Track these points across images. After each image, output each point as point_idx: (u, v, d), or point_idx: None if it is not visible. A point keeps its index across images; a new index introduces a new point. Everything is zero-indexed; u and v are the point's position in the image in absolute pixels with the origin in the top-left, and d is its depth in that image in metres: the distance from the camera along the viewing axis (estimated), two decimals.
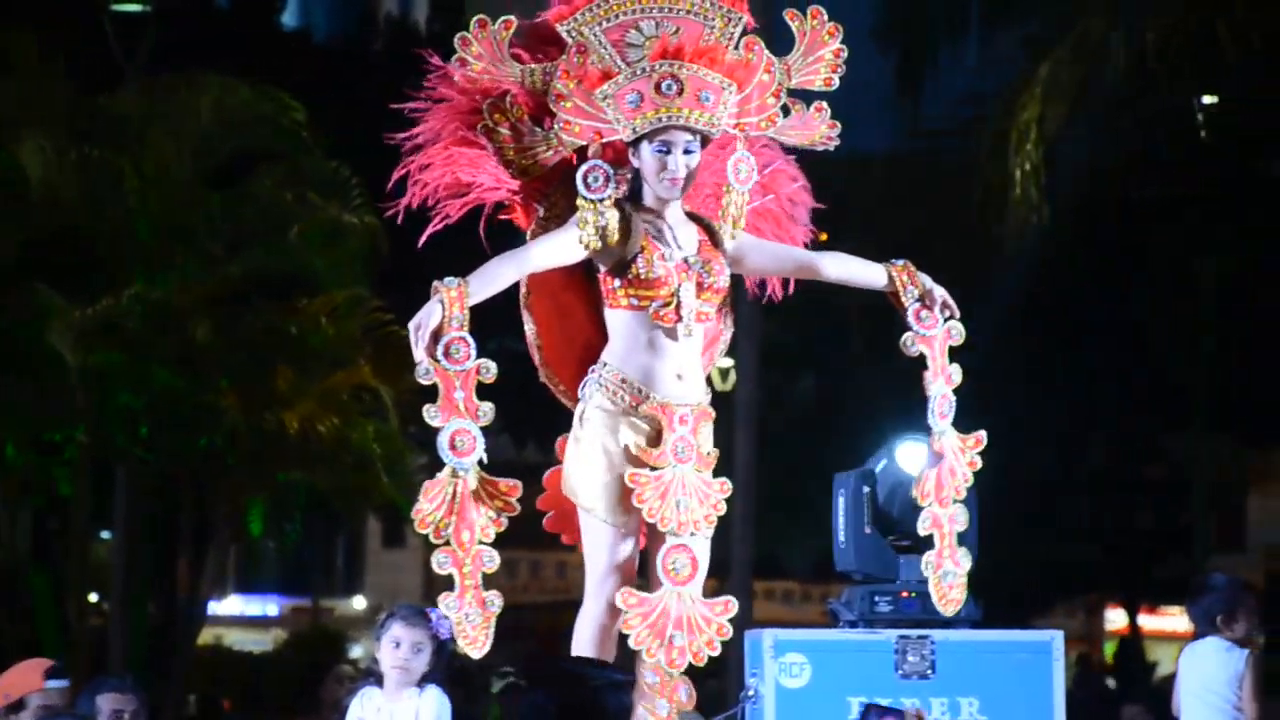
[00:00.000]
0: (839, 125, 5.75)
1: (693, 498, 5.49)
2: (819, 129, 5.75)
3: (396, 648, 6.39)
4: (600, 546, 5.57)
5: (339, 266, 14.50)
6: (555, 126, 5.50)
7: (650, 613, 5.46)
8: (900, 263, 5.77)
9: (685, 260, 5.52)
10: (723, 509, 5.57)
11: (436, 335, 5.30)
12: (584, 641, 5.60)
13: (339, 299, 14.41)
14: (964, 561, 5.80)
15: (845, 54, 5.75)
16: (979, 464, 5.79)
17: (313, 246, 14.43)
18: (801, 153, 5.90)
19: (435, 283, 5.36)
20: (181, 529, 15.29)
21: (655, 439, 5.50)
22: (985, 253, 17.87)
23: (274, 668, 21.43)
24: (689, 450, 5.50)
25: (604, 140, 5.50)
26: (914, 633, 6.62)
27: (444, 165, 5.63)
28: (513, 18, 5.58)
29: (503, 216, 5.71)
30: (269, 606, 36.47)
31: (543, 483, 5.72)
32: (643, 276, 5.46)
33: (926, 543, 5.94)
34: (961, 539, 5.91)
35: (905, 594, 6.79)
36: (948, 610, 5.83)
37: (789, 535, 26.00)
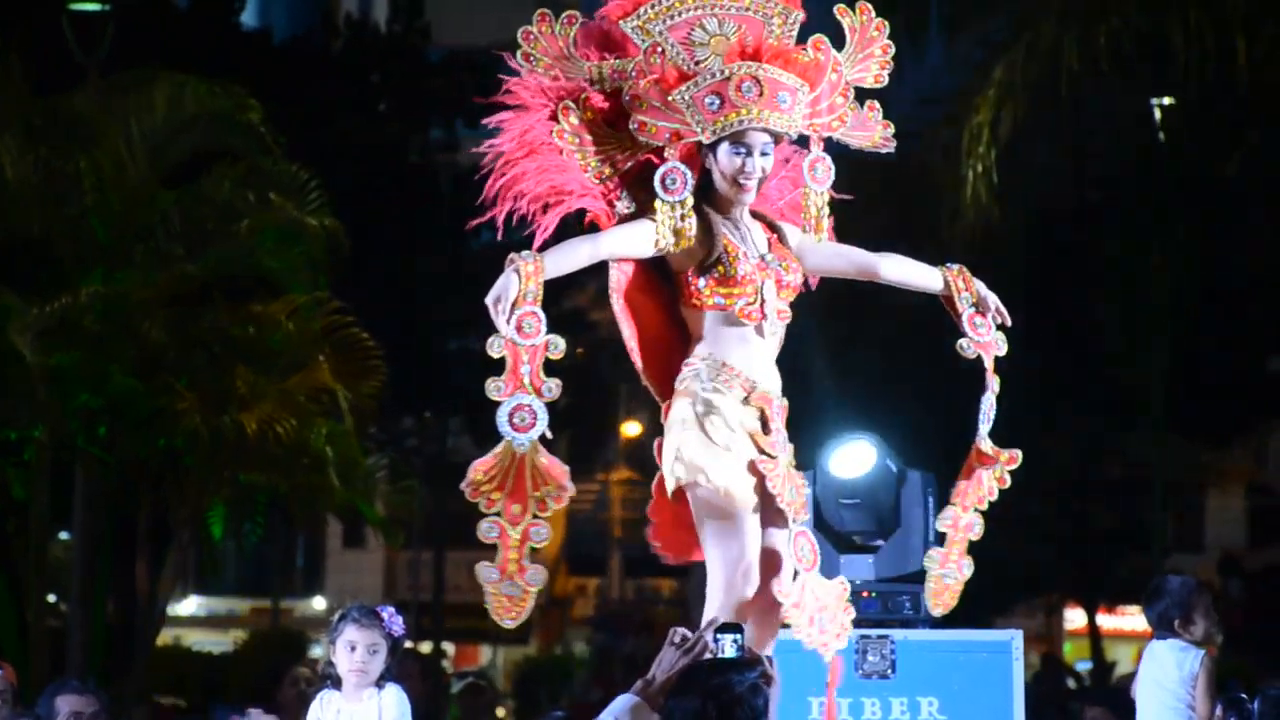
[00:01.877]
0: (892, 126, 5.75)
1: (794, 486, 5.46)
2: (877, 130, 5.76)
3: (352, 651, 6.37)
4: (740, 537, 5.41)
5: (297, 267, 14.44)
6: (631, 128, 5.46)
7: (801, 603, 5.39)
8: (955, 267, 5.76)
9: (763, 258, 5.51)
10: (808, 503, 5.55)
11: (512, 308, 5.24)
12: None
13: (298, 300, 14.36)
14: (966, 570, 5.75)
15: (893, 50, 5.75)
16: (1008, 482, 5.76)
17: (271, 247, 14.38)
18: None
19: (512, 255, 5.32)
20: (140, 529, 15.21)
21: (764, 428, 5.46)
22: (943, 255, 17.90)
23: (234, 668, 21.35)
24: (785, 441, 5.50)
25: (681, 141, 5.46)
26: (874, 633, 6.63)
27: (536, 175, 5.55)
28: (575, 13, 5.54)
29: (589, 220, 5.63)
30: (229, 607, 36.37)
31: (652, 489, 5.63)
32: (730, 275, 5.44)
33: (863, 545, 5.96)
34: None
35: (866, 594, 6.81)
36: (936, 611, 5.79)
37: None
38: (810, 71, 5.53)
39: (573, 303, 25.15)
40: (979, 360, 5.67)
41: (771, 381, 5.51)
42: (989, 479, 5.75)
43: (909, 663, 6.61)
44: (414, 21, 23.59)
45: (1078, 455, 25.10)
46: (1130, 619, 33.26)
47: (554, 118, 5.49)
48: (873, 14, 5.73)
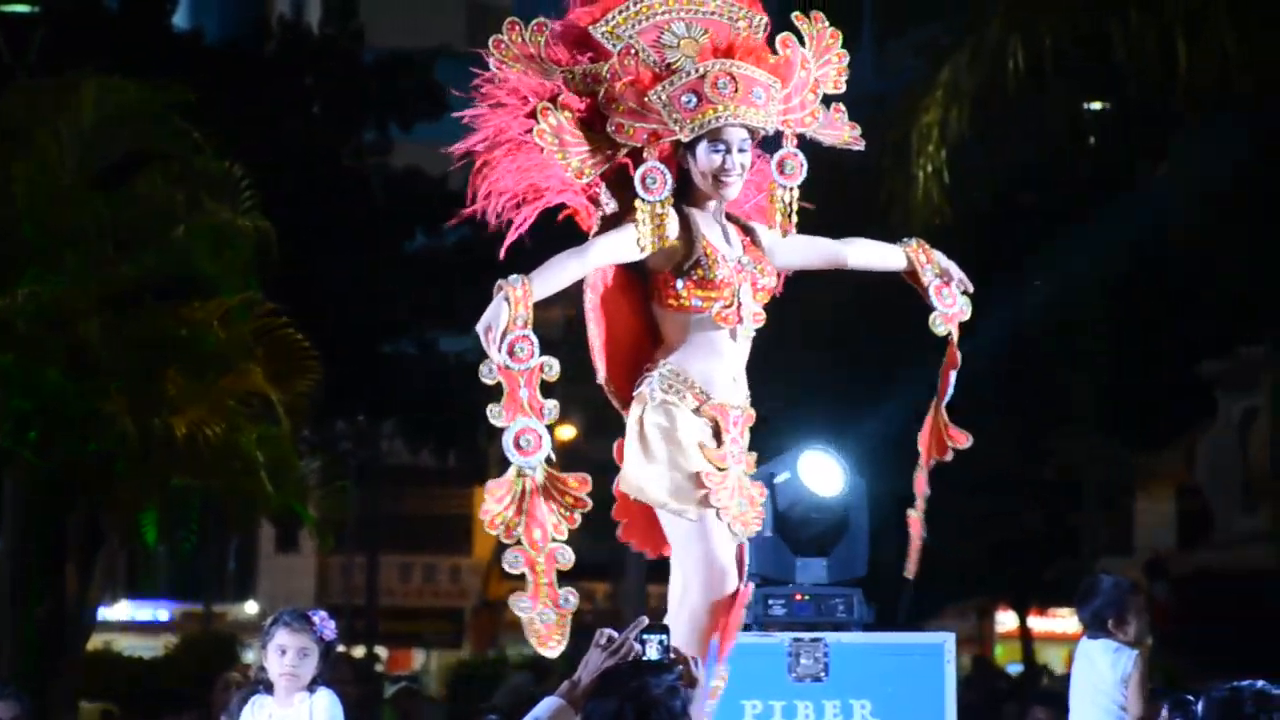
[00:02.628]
0: (859, 127, 5.78)
1: (744, 499, 5.47)
2: (844, 130, 5.78)
3: (283, 655, 6.35)
4: (694, 541, 5.43)
5: (230, 269, 14.38)
6: (608, 130, 5.46)
7: (735, 611, 5.43)
8: (914, 242, 5.81)
9: (740, 261, 5.51)
10: (763, 514, 5.56)
11: (503, 335, 5.26)
12: (683, 641, 5.40)
13: (230, 302, 14.29)
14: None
15: (847, 58, 5.77)
16: (949, 458, 5.83)
17: (203, 248, 14.31)
18: None
19: (500, 281, 5.34)
20: (71, 534, 15.10)
21: (715, 439, 5.46)
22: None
23: (165, 673, 21.25)
24: (741, 452, 5.49)
25: (659, 141, 5.46)
26: (807, 635, 6.64)
27: (515, 173, 5.55)
28: (544, 20, 5.56)
29: (564, 215, 5.63)
30: (160, 612, 36.19)
31: (614, 492, 5.58)
32: (709, 278, 5.44)
33: (822, 548, 5.97)
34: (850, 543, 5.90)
35: (799, 596, 6.82)
36: (908, 572, 5.83)
37: None
38: (781, 68, 5.56)
39: None
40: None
41: (733, 390, 5.50)
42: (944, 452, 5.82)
43: (842, 666, 6.62)
44: (347, 24, 23.51)
45: (1009, 457, 25.23)
46: (1061, 621, 33.44)
47: (532, 117, 5.49)
48: (826, 22, 5.76)
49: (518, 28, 5.54)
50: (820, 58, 5.72)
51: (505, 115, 5.53)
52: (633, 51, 5.48)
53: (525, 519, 5.25)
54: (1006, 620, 35.18)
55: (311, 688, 6.39)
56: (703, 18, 5.58)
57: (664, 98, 5.43)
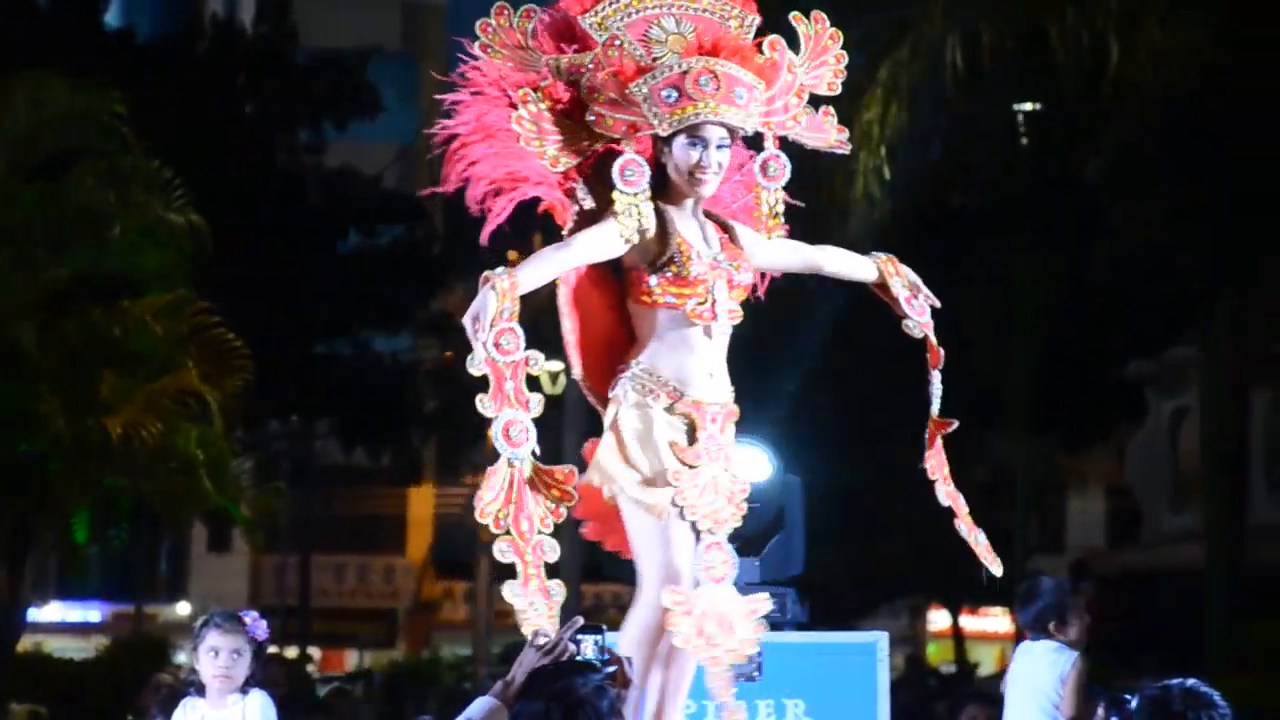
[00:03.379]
0: (846, 130, 5.79)
1: (721, 496, 5.45)
2: (831, 133, 5.78)
3: (215, 656, 6.32)
4: (654, 543, 5.43)
5: (163, 267, 14.33)
6: (588, 120, 5.43)
7: (692, 611, 5.39)
8: (884, 256, 5.82)
9: (716, 258, 5.49)
10: (744, 508, 5.54)
11: (490, 326, 5.21)
12: (631, 641, 5.43)
13: (163, 301, 14.24)
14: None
15: (846, 60, 5.78)
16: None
17: (136, 246, 14.26)
18: None
19: (487, 273, 5.26)
20: (2, 535, 15.01)
21: (690, 437, 5.45)
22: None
23: (96, 675, 21.13)
24: (718, 449, 5.47)
25: (638, 134, 5.43)
26: None
27: (493, 159, 5.50)
28: (533, 6, 5.53)
29: (541, 209, 5.59)
30: (91, 613, 35.97)
31: (577, 490, 5.51)
32: (683, 274, 5.42)
33: (755, 547, 5.99)
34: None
35: None
36: (998, 570, 5.92)
37: None
38: (766, 70, 5.54)
39: (441, 305, 25.09)
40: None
41: (710, 387, 5.48)
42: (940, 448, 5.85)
43: (775, 665, 6.63)
44: (280, 24, 23.43)
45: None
46: (993, 620, 33.63)
47: (512, 105, 5.45)
48: (827, 23, 5.77)
49: (505, 12, 5.52)
50: (816, 59, 5.73)
51: (487, 101, 5.49)
52: (617, 43, 5.45)
53: (514, 509, 5.25)
54: (939, 619, 35.34)
55: (244, 689, 6.37)
56: (693, 14, 5.56)
57: (645, 91, 5.40)
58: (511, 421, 5.21)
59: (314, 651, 32.63)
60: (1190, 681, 5.27)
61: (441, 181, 5.52)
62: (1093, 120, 19.50)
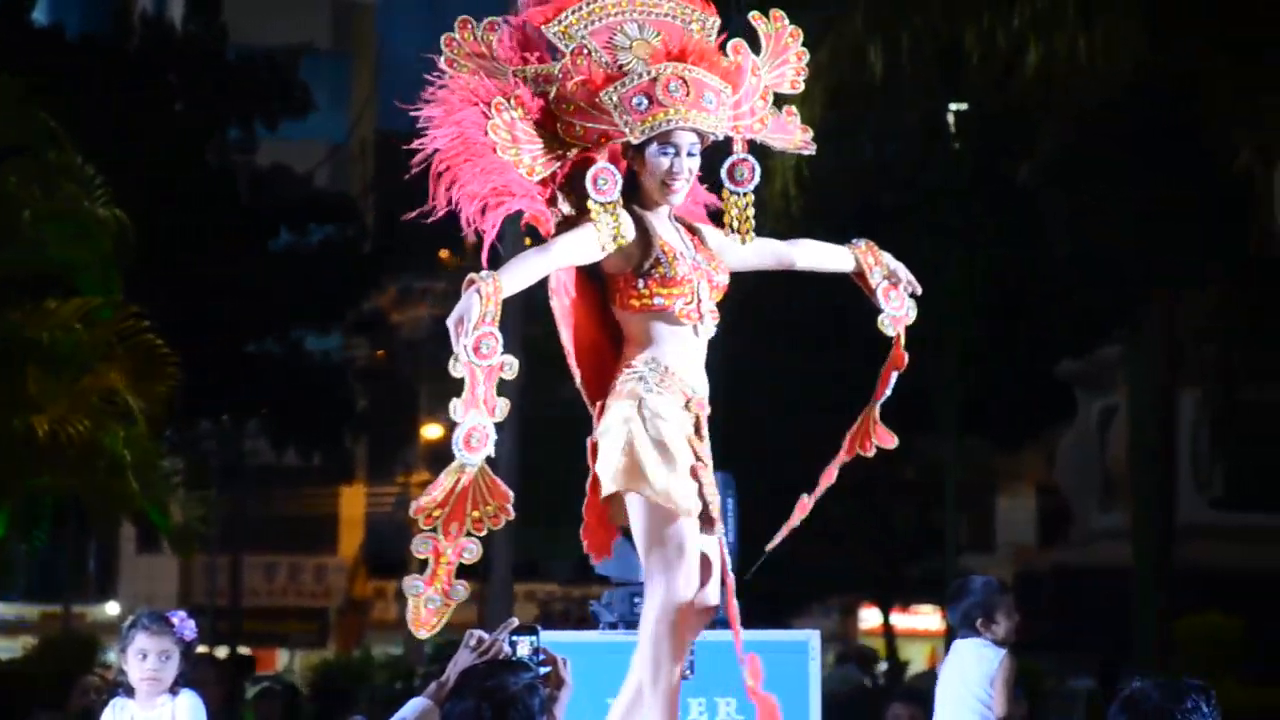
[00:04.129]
0: (810, 130, 5.79)
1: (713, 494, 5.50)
2: (796, 134, 5.79)
3: (144, 659, 6.29)
4: (672, 541, 5.40)
5: (89, 263, 14.24)
6: (559, 129, 5.43)
7: (729, 604, 5.51)
8: (863, 243, 5.81)
9: (695, 259, 5.51)
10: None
11: (473, 329, 5.21)
12: (653, 642, 5.44)
13: (92, 303, 14.15)
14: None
15: (807, 58, 5.79)
16: (871, 454, 5.90)
17: (62, 244, 14.17)
18: None
19: (472, 275, 5.24)
20: None
21: (697, 434, 5.47)
22: None
23: (23, 676, 20.98)
24: (708, 448, 5.52)
25: (609, 142, 5.43)
26: None
27: (479, 176, 5.44)
28: (496, 20, 5.51)
29: (525, 222, 5.56)
30: (18, 613, 35.70)
31: (586, 488, 5.56)
32: (669, 276, 5.43)
33: None
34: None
35: None
36: (766, 548, 5.85)
37: (550, 538, 26.04)
38: (732, 74, 5.54)
39: (373, 304, 25.02)
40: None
41: (703, 386, 5.52)
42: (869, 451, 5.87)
43: (707, 663, 6.64)
44: (210, 21, 23.31)
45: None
46: (924, 618, 33.78)
47: (486, 116, 5.42)
48: (786, 21, 5.77)
49: (469, 25, 5.49)
50: (777, 58, 5.73)
51: (461, 115, 5.45)
52: (585, 51, 5.45)
53: (448, 511, 5.23)
54: (870, 618, 35.45)
55: (174, 690, 6.34)
56: (656, 19, 5.56)
57: (615, 99, 5.40)
58: (474, 428, 5.22)
59: (244, 651, 32.47)
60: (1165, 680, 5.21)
61: (430, 203, 5.45)
62: (1023, 122, 19.61)
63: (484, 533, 5.24)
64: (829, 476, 5.91)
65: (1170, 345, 23.74)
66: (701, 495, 5.40)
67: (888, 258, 5.81)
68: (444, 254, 39.90)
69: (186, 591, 36.97)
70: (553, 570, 34.53)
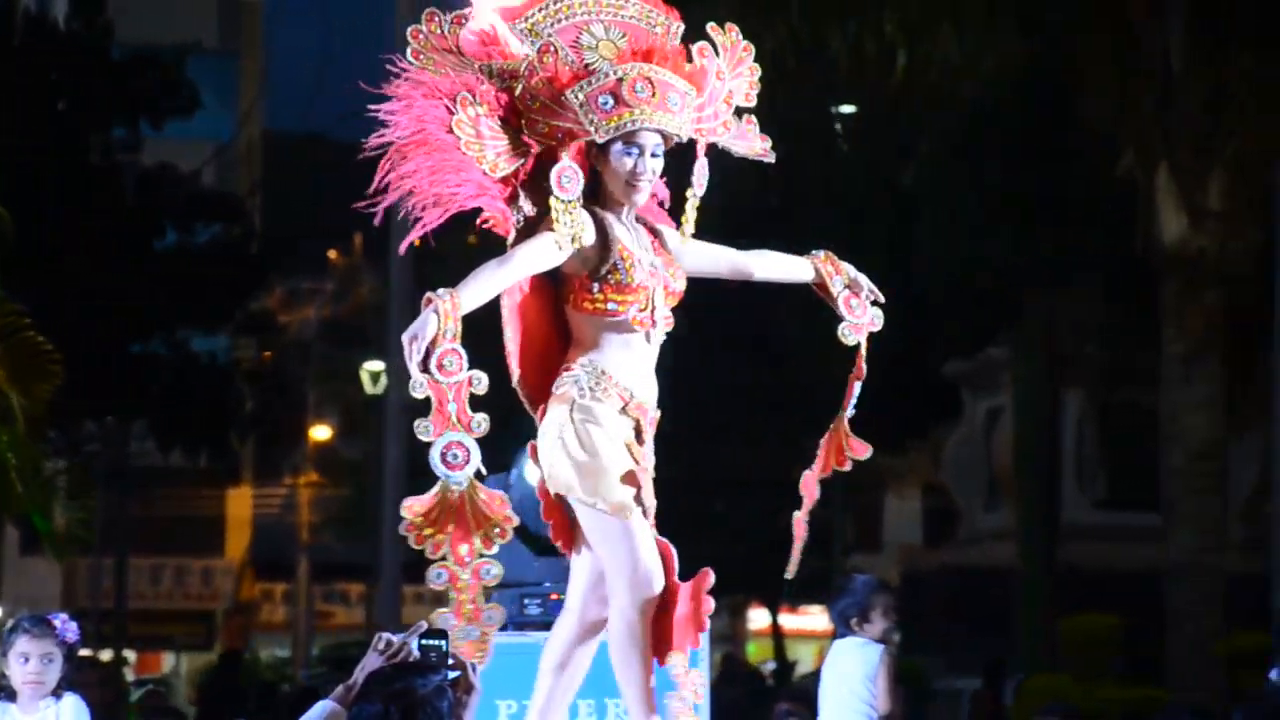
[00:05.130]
0: (769, 139, 5.79)
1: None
2: (756, 141, 5.80)
3: (25, 662, 6.24)
4: (620, 545, 5.42)
5: None
6: (523, 126, 5.43)
7: (697, 603, 5.53)
8: (823, 254, 5.84)
9: (653, 264, 5.52)
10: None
11: (430, 348, 5.17)
12: (620, 647, 5.49)
13: None
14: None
15: (759, 72, 5.79)
16: (848, 468, 5.96)
17: None
18: None
19: (429, 294, 5.21)
20: None
21: (638, 439, 5.48)
22: None
23: None
24: (651, 453, 5.52)
25: (574, 141, 5.43)
26: None
27: (429, 172, 5.44)
28: (464, 13, 5.48)
29: (482, 221, 5.55)
30: None
31: (538, 494, 5.57)
32: (625, 282, 5.43)
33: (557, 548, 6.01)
34: None
35: (555, 596, 6.85)
36: (789, 573, 5.98)
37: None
38: (697, 77, 5.57)
39: (260, 304, 24.87)
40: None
41: (649, 390, 5.52)
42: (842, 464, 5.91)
43: (596, 664, 6.66)
44: (95, 19, 23.07)
45: (760, 456, 25.56)
46: (812, 619, 33.95)
47: (450, 111, 5.42)
48: (739, 35, 5.79)
49: (436, 18, 5.48)
50: (733, 69, 5.74)
51: (423, 109, 5.44)
52: (552, 49, 5.45)
53: (454, 535, 5.21)
54: (759, 618, 35.59)
55: (57, 693, 6.29)
56: (621, 21, 5.58)
57: (581, 97, 5.41)
58: (451, 445, 5.19)
59: (129, 654, 32.19)
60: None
61: (379, 189, 5.45)
62: (908, 125, 19.77)
63: (494, 550, 5.23)
64: (810, 490, 5.99)
65: (1054, 347, 24.01)
66: (639, 499, 5.41)
67: (847, 267, 5.86)
68: (333, 254, 39.72)
69: (70, 594, 36.57)
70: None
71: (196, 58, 23.34)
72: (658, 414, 5.55)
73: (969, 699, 22.55)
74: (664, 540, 5.51)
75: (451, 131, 5.39)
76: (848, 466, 5.91)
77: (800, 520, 5.92)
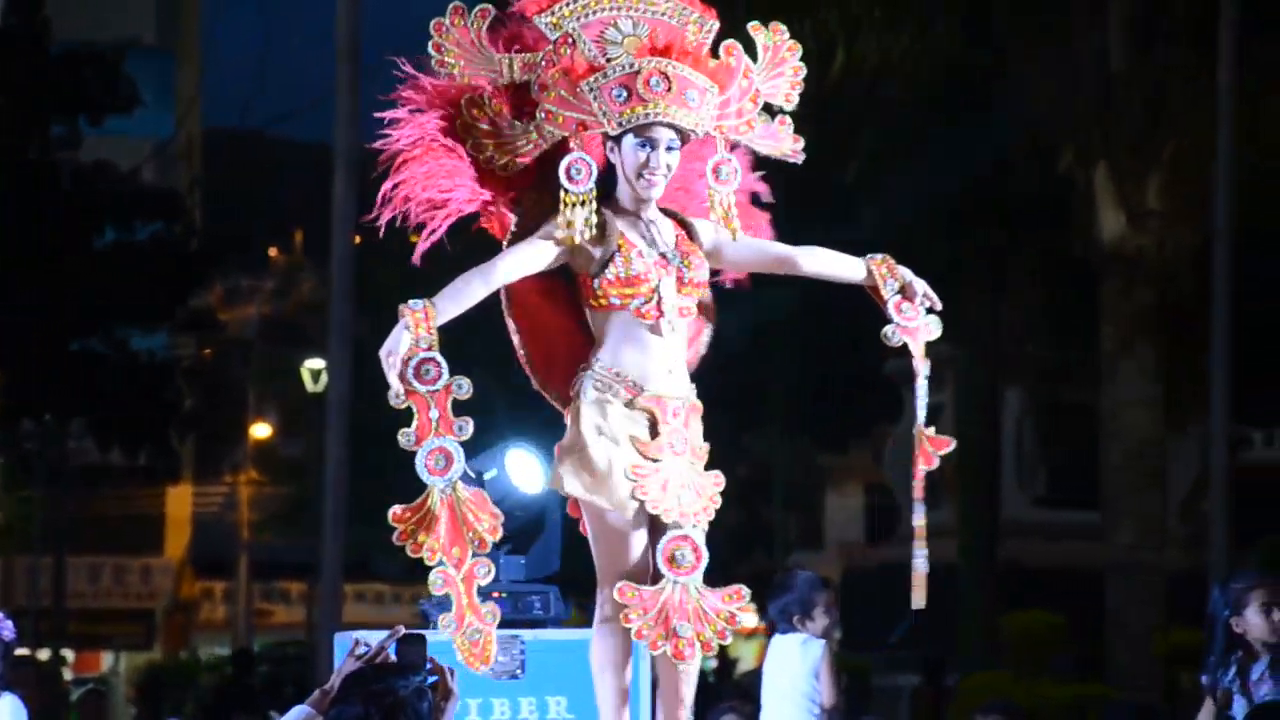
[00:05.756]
0: (802, 140, 5.78)
1: (690, 490, 5.47)
2: (786, 141, 5.77)
3: None
4: (613, 541, 5.48)
5: None
6: (538, 117, 5.44)
7: (650, 606, 5.42)
8: (880, 257, 5.75)
9: (663, 255, 5.49)
10: (719, 502, 5.55)
11: (407, 359, 5.21)
12: (595, 639, 5.56)
13: None
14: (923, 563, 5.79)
15: (804, 72, 5.77)
16: (936, 464, 5.76)
17: None
18: None
19: (401, 306, 5.24)
20: None
21: (651, 432, 5.46)
22: None
23: None
24: (683, 443, 5.49)
25: (587, 133, 5.44)
26: (505, 633, 6.67)
27: (423, 179, 5.46)
28: (489, 6, 5.50)
29: (478, 227, 5.58)
30: None
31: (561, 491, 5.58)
32: (622, 275, 5.42)
33: (521, 546, 5.99)
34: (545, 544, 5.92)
35: (496, 595, 6.84)
36: (918, 600, 5.77)
37: (380, 537, 25.92)
38: (720, 74, 5.56)
39: (200, 302, 24.77)
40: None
41: (668, 382, 5.51)
42: (925, 465, 5.75)
43: (538, 662, 6.66)
44: (32, 16, 22.94)
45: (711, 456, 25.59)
46: (753, 616, 34.00)
47: (451, 117, 5.45)
48: (786, 35, 5.77)
49: (461, 11, 5.51)
50: (773, 69, 5.72)
51: (426, 116, 5.48)
52: (570, 40, 5.47)
53: (446, 540, 5.24)
54: None
55: None
56: (650, 17, 5.56)
57: (596, 89, 5.42)
58: (434, 451, 5.23)
59: (68, 653, 32.01)
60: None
61: (380, 200, 5.48)
62: (846, 123, 19.80)
63: (488, 551, 5.25)
64: (916, 526, 5.82)
65: (994, 344, 24.10)
66: (640, 495, 5.41)
67: (904, 271, 5.77)
68: (273, 252, 39.60)
69: (8, 593, 36.36)
70: (382, 569, 34.36)
71: (135, 54, 23.26)
72: (693, 402, 5.57)
73: (909, 696, 22.64)
74: (686, 536, 5.47)
75: (450, 136, 5.44)
76: (935, 464, 5.76)
77: (921, 569, 5.81)
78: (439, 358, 5.24)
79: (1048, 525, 29.63)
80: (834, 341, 23.57)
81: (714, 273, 5.80)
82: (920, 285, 5.77)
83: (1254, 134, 18.26)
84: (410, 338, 5.21)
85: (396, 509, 5.27)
